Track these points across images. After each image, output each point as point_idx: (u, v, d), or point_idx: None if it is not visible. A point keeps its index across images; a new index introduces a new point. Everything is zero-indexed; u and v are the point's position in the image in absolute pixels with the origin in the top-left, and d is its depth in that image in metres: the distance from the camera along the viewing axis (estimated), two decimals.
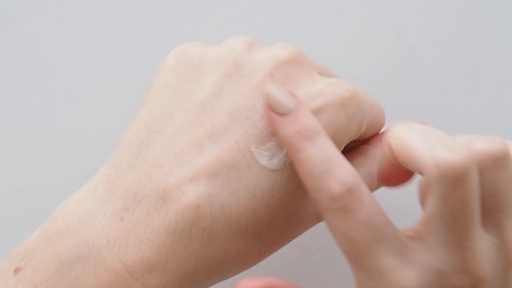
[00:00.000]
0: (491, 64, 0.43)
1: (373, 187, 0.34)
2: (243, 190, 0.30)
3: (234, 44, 0.33)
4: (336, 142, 0.31)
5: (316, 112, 0.31)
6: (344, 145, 0.32)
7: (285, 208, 0.31)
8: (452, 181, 0.26)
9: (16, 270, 0.30)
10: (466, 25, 0.43)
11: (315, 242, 0.41)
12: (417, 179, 0.30)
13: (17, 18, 0.44)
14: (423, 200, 0.28)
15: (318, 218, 0.33)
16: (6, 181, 0.43)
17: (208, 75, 0.32)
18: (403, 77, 0.43)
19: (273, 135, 0.31)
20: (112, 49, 0.44)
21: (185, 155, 0.30)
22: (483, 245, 0.27)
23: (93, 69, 0.44)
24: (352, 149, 0.35)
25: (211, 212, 0.29)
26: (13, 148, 0.43)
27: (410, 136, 0.28)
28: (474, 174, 0.27)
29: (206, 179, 0.30)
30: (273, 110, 0.30)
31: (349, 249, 0.28)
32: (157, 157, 0.31)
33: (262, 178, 0.30)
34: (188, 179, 0.30)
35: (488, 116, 0.43)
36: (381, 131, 0.36)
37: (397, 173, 0.30)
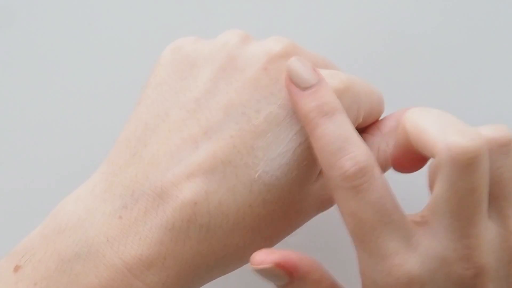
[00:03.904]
0: (489, 58, 0.43)
1: None
2: (239, 186, 0.30)
3: (228, 38, 0.33)
4: None
5: None
6: None
7: (283, 202, 0.31)
8: (463, 166, 0.26)
9: (16, 268, 0.30)
10: (461, 18, 0.43)
11: (315, 242, 0.41)
12: (428, 165, 0.30)
13: (17, 18, 0.44)
14: (432, 184, 0.28)
15: (317, 210, 0.33)
16: (6, 180, 0.43)
17: (203, 70, 0.32)
18: (399, 71, 0.43)
19: (268, 131, 0.31)
20: (112, 48, 0.44)
21: (181, 152, 0.31)
22: (488, 234, 0.28)
23: (93, 68, 0.44)
24: None
25: (209, 209, 0.30)
26: (13, 147, 0.43)
27: (424, 120, 0.28)
28: (484, 161, 0.27)
29: (203, 175, 0.30)
30: (294, 84, 0.30)
31: (356, 229, 0.28)
32: (153, 155, 0.31)
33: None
34: (185, 176, 0.30)
35: (486, 110, 0.43)
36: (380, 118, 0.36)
37: (410, 158, 0.30)
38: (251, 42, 0.33)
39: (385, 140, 0.34)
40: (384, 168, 0.34)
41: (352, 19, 0.43)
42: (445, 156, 0.27)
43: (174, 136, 0.31)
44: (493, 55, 0.43)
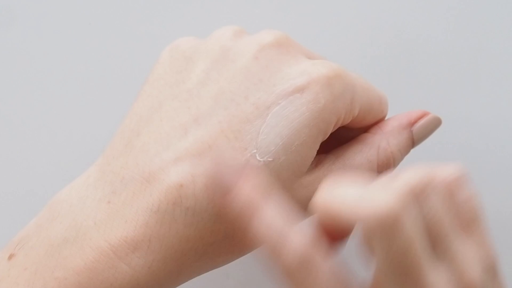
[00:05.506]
0: (491, 61, 0.43)
1: (373, 173, 0.34)
2: None
3: (222, 32, 0.34)
4: (322, 122, 0.31)
5: (299, 90, 0.31)
6: (333, 125, 0.32)
7: None
8: (391, 228, 0.25)
9: (10, 257, 0.30)
10: (466, 21, 0.43)
11: None
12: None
13: (17, 18, 0.45)
14: (367, 252, 0.27)
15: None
16: (6, 182, 0.44)
17: (197, 64, 0.33)
18: (402, 73, 0.43)
19: (256, 116, 0.31)
20: (112, 48, 0.44)
21: (170, 139, 0.31)
22: (441, 279, 0.26)
23: (93, 68, 0.44)
24: (353, 137, 0.35)
25: (194, 192, 0.30)
26: (13, 147, 0.44)
27: (336, 199, 0.27)
28: (410, 213, 0.25)
29: (189, 159, 0.30)
30: (219, 191, 0.28)
31: None
32: (144, 143, 0.31)
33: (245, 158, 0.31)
34: (172, 160, 0.30)
35: (488, 113, 0.42)
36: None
37: (335, 233, 0.28)
38: (244, 36, 0.34)
39: (386, 138, 0.34)
40: (385, 167, 0.34)
41: (357, 22, 0.44)
42: (369, 225, 0.25)
43: (165, 124, 0.31)
44: (498, 59, 0.43)
